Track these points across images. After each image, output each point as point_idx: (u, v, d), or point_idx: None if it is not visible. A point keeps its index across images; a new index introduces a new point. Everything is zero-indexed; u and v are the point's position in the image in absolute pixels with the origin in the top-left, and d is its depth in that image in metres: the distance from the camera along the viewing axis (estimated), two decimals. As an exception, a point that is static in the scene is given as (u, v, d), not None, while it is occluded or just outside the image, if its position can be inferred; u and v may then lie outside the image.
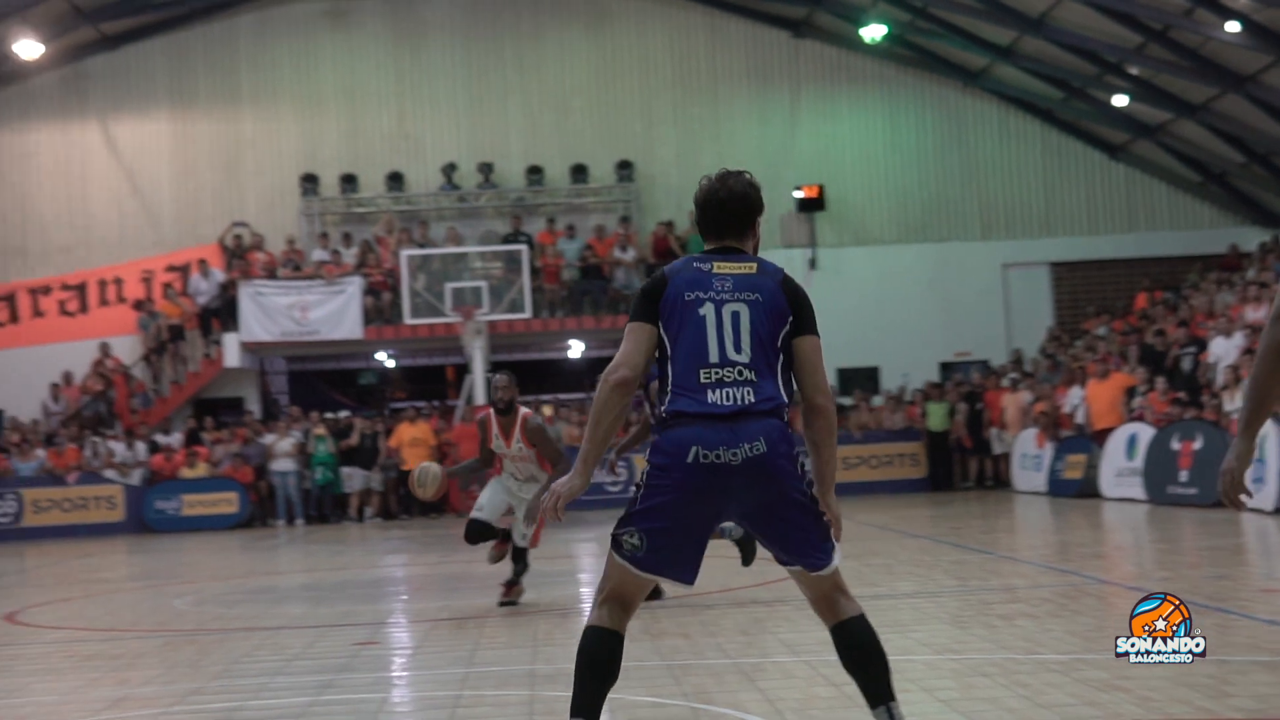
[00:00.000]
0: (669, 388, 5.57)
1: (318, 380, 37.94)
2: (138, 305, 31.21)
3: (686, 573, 5.61)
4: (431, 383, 40.37)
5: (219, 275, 30.78)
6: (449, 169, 32.16)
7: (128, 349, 31.01)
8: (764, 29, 32.87)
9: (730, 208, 5.74)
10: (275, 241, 31.24)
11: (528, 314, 29.37)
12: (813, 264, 32.19)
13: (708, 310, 5.55)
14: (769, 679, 7.95)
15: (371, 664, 9.56)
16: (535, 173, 32.15)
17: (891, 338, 31.88)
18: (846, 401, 29.97)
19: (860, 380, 31.44)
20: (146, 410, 30.19)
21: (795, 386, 5.69)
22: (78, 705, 8.36)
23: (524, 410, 12.00)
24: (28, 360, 30.88)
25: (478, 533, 12.07)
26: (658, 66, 32.81)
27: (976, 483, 28.28)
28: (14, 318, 31.50)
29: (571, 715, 5.56)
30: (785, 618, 10.53)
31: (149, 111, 32.24)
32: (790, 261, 32.20)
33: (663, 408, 5.57)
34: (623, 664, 5.64)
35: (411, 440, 27.66)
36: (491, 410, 12.21)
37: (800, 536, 5.55)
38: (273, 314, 29.66)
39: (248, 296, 29.76)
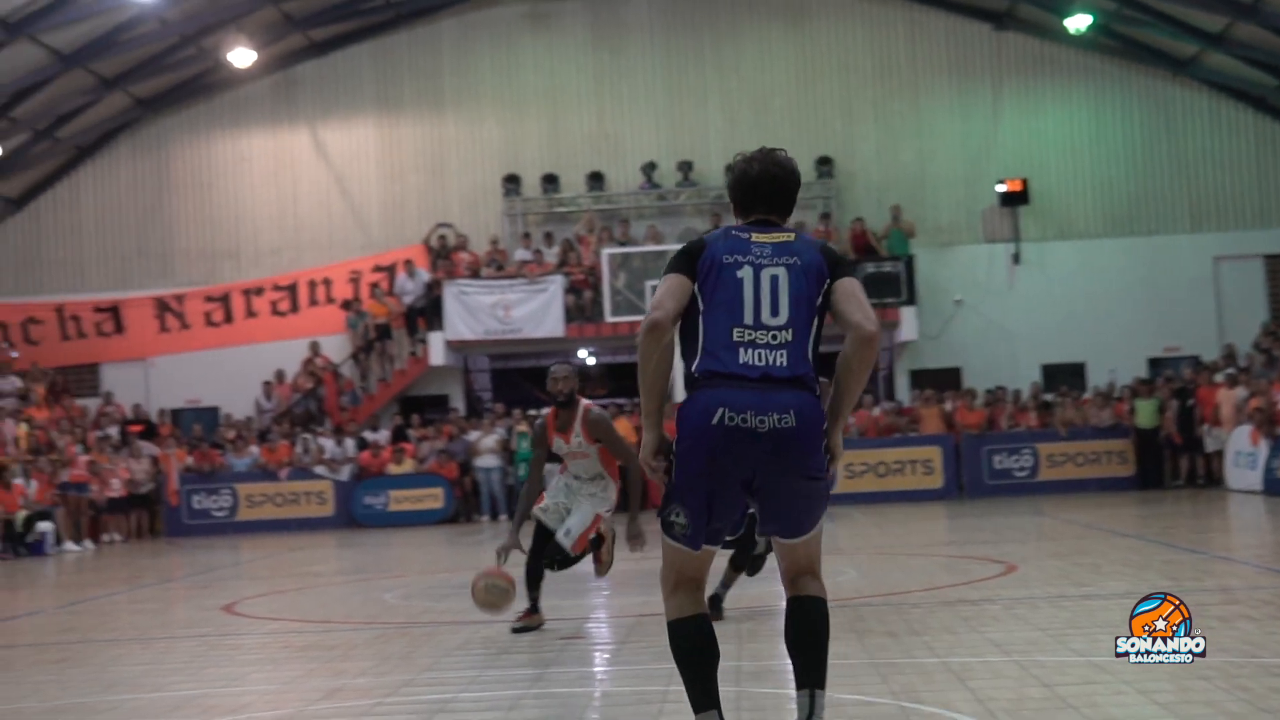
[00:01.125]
0: (699, 347, 5.49)
1: (520, 378, 38.37)
2: (346, 305, 31.92)
3: (719, 538, 5.60)
4: (632, 380, 40.00)
5: (424, 275, 31.33)
6: (649, 168, 32.32)
7: (336, 348, 31.74)
8: (965, 22, 32.45)
9: (783, 182, 5.75)
10: (479, 241, 31.71)
11: (729, 311, 29.33)
12: (1016, 259, 31.70)
13: (746, 273, 5.51)
14: (978, 678, 7.84)
15: (578, 659, 9.64)
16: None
17: (1098, 333, 31.25)
18: (1051, 398, 29.47)
19: (1065, 376, 30.86)
20: (355, 408, 30.87)
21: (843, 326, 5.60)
22: (296, 694, 8.57)
23: (586, 402, 10.83)
24: (242, 359, 31.78)
25: (542, 541, 10.90)
26: (857, 62, 32.59)
27: (1187, 481, 27.57)
28: (228, 318, 32.43)
29: (697, 713, 5.52)
30: (993, 617, 10.38)
31: (356, 116, 32.96)
32: (993, 256, 31.79)
33: (693, 367, 5.49)
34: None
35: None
36: (551, 408, 10.91)
37: (798, 513, 5.54)
38: (476, 313, 30.09)
39: (452, 296, 30.24)
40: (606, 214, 32.22)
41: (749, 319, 5.44)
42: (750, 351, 5.40)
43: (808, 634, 5.54)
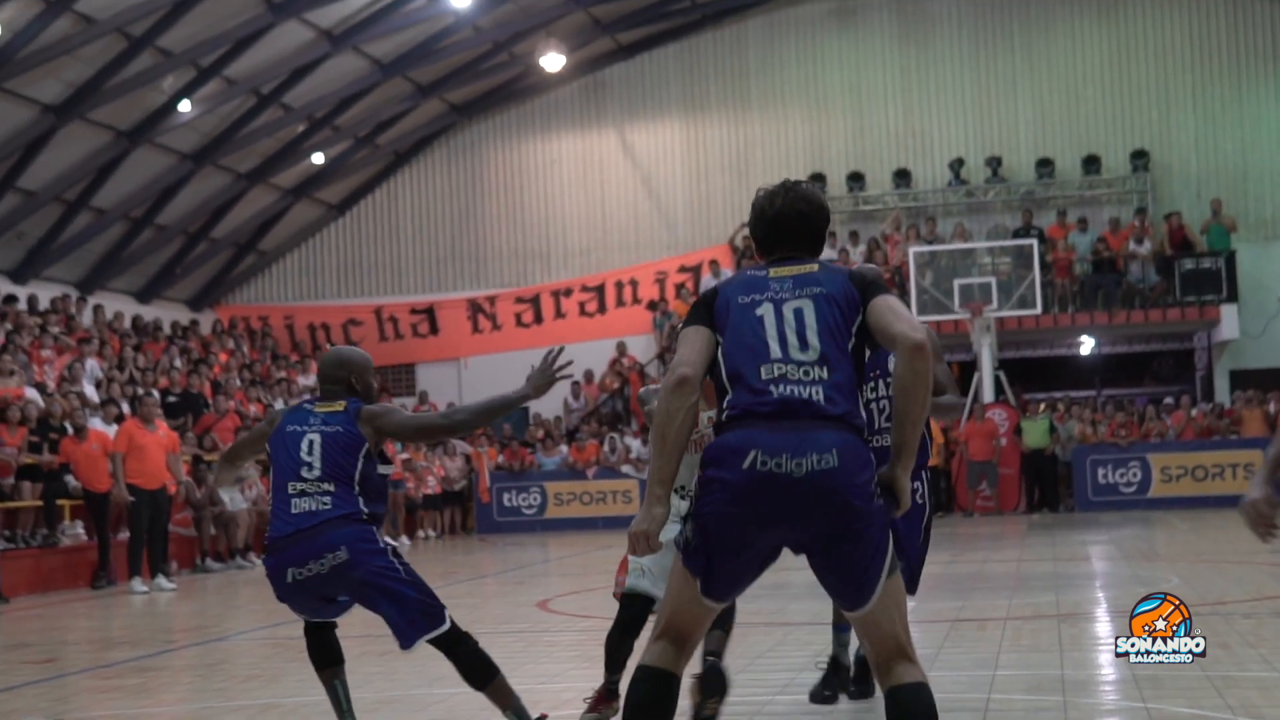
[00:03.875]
0: (728, 389, 4.86)
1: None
2: (651, 305, 32.26)
3: (716, 592, 4.85)
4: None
5: (729, 275, 31.39)
6: (956, 164, 31.83)
7: (642, 348, 32.09)
8: (1291, 6, 31.12)
9: (809, 219, 5.10)
10: (783, 241, 31.63)
11: (1038, 310, 28.75)
12: (1345, 255, 30.23)
13: (766, 309, 4.89)
14: (1323, 696, 7.46)
15: (894, 663, 9.47)
16: (1045, 165, 31.42)
17: None
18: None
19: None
20: (660, 408, 31.08)
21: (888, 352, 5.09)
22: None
23: None
24: (551, 359, 32.32)
25: (637, 615, 7.63)
26: (1175, 50, 31.49)
27: None
28: (538, 318, 33.10)
29: None
30: (1334, 631, 9.89)
31: (663, 117, 33.27)
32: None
33: (723, 405, 4.86)
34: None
35: (920, 438, 27.46)
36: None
37: (854, 571, 4.76)
38: (782, 313, 30.01)
39: (757, 295, 30.22)
40: (913, 211, 31.84)
41: (777, 354, 4.82)
42: (783, 386, 4.77)
43: None
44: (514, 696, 6.82)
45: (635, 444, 29.41)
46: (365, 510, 6.73)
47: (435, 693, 8.83)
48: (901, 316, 4.83)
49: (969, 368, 29.92)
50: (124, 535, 19.53)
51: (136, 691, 9.81)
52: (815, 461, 4.63)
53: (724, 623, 7.48)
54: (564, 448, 29.90)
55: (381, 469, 6.91)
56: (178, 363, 26.98)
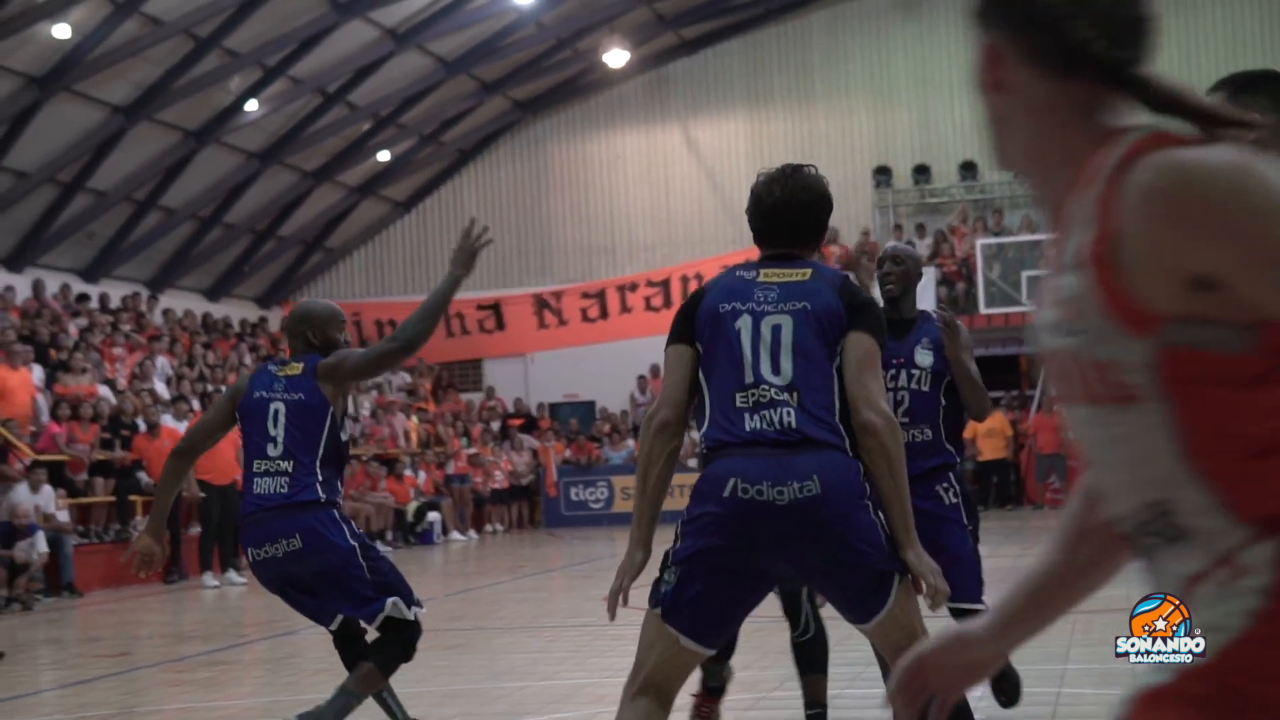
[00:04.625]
0: (706, 415, 4.70)
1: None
2: (717, 300, 32.19)
3: (707, 635, 4.59)
4: (1006, 373, 39.61)
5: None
6: (1023, 155, 31.61)
7: (708, 342, 32.00)
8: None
9: (809, 209, 4.87)
10: (849, 234, 31.53)
11: (1107, 301, 28.48)
12: None
13: (744, 323, 4.66)
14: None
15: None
16: (1113, 156, 31.15)
17: None
18: None
19: None
20: (727, 402, 31.07)
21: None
22: (688, 684, 8.61)
23: None
24: (616, 354, 32.39)
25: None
26: (1246, 40, 31.18)
27: None
28: (604, 314, 33.12)
29: None
30: None
31: (727, 112, 33.20)
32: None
33: (701, 442, 4.73)
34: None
35: (986, 431, 27.37)
36: None
37: (855, 590, 4.58)
38: (847, 306, 29.93)
39: (823, 289, 30.14)
40: (980, 204, 31.65)
41: (750, 378, 4.62)
42: (758, 414, 4.57)
43: None
44: (370, 691, 6.58)
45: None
46: (323, 492, 6.54)
47: (501, 686, 8.85)
48: (864, 383, 4.60)
49: (1036, 360, 29.68)
50: (195, 530, 19.73)
51: (207, 685, 9.90)
52: (797, 490, 4.45)
53: (820, 665, 7.15)
54: (630, 442, 29.91)
55: (343, 435, 6.73)
56: (247, 359, 27.19)
